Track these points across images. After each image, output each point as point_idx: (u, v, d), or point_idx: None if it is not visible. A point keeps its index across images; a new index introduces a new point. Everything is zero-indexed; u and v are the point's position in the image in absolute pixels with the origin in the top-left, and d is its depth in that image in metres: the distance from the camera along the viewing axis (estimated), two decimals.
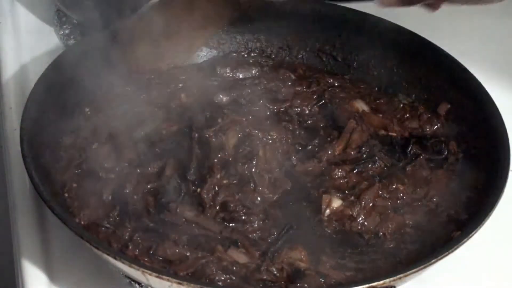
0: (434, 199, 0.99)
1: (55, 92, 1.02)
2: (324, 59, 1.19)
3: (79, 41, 1.20)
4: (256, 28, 1.19)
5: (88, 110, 1.07)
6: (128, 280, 0.93)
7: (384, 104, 1.13)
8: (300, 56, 1.20)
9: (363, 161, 1.03)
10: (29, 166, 0.90)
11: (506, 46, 1.36)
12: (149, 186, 0.98)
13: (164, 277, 0.81)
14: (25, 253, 0.96)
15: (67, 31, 1.28)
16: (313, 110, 1.12)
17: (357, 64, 1.17)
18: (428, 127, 1.09)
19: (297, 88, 1.14)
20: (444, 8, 0.98)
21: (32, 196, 1.02)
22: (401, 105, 1.12)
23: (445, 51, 1.10)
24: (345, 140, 1.05)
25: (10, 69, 1.21)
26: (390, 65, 1.14)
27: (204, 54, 1.20)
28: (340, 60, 1.18)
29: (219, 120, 1.04)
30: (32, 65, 1.21)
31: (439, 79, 1.10)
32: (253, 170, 1.00)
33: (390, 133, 1.08)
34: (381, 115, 1.11)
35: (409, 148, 1.05)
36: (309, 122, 1.10)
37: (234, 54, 1.20)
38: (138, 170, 1.00)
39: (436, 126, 1.09)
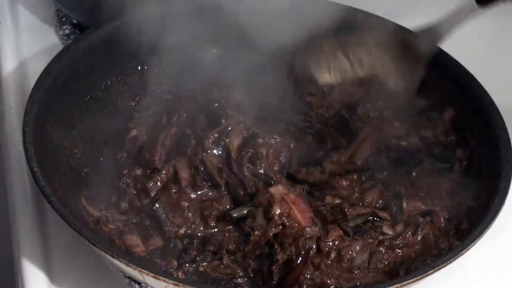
0: (437, 208, 1.00)
1: (58, 87, 1.02)
2: None
3: (78, 37, 1.20)
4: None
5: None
6: (128, 280, 0.93)
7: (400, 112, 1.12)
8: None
9: (368, 171, 1.04)
10: (30, 159, 0.90)
11: (506, 46, 1.36)
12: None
13: (160, 277, 0.81)
14: (25, 253, 0.96)
15: (67, 31, 1.28)
16: (325, 115, 1.12)
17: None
18: (442, 137, 1.08)
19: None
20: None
21: (32, 196, 1.02)
22: (417, 114, 1.11)
23: (452, 56, 1.10)
24: (353, 149, 1.06)
25: (10, 69, 1.21)
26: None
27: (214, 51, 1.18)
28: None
29: (223, 121, 1.04)
30: (32, 65, 1.20)
31: (444, 84, 1.09)
32: (260, 171, 1.01)
33: (401, 142, 1.08)
34: (397, 124, 1.10)
35: (419, 157, 1.06)
36: (319, 127, 1.10)
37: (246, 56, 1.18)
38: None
39: (450, 137, 1.08)
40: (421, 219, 0.98)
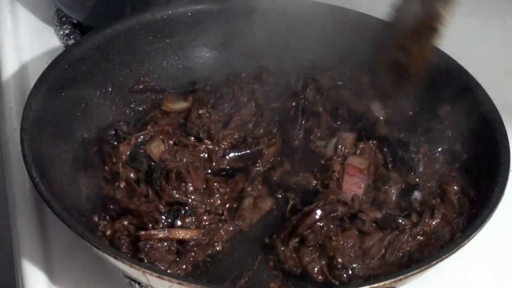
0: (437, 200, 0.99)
1: (55, 91, 1.02)
2: None
3: (78, 40, 1.20)
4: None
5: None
6: (128, 280, 0.93)
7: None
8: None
9: None
10: (29, 165, 0.90)
11: (506, 46, 1.36)
12: None
13: (165, 277, 0.81)
14: (25, 253, 0.96)
15: (67, 31, 1.28)
16: None
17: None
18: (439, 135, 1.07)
19: None
20: None
21: (32, 196, 1.02)
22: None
23: (445, 52, 1.09)
24: None
25: (10, 69, 1.21)
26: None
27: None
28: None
29: None
30: (32, 65, 1.21)
31: (437, 80, 1.08)
32: None
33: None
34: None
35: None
36: None
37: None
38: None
39: (446, 133, 1.07)
40: (433, 201, 0.98)
